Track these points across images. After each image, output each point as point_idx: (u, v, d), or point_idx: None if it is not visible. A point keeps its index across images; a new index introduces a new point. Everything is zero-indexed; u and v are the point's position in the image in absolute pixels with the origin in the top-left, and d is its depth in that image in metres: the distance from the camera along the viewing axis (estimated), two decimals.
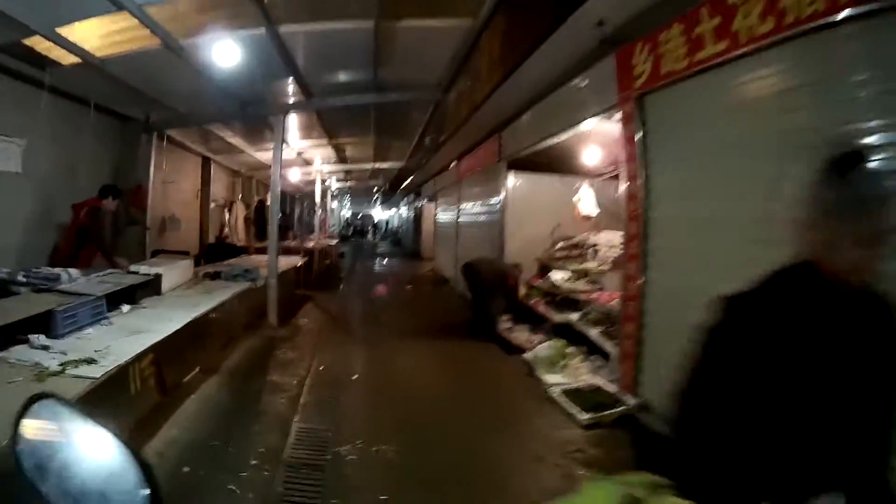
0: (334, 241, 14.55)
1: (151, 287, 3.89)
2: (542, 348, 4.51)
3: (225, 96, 5.40)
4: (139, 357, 2.54)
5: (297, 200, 15.41)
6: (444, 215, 11.98)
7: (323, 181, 12.44)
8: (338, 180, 15.83)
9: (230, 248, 8.52)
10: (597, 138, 5.24)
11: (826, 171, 1.01)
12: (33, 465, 0.67)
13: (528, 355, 4.54)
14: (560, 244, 6.08)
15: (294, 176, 10.97)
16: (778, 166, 2.19)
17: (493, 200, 7.16)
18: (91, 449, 0.66)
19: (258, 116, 6.06)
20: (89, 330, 2.78)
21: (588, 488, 0.96)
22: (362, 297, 8.87)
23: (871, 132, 1.92)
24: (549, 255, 6.20)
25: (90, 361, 2.28)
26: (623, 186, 3.63)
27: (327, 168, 11.65)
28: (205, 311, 3.58)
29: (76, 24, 3.52)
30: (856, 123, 1.98)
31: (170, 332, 2.88)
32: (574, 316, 4.85)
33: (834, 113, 2.10)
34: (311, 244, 10.65)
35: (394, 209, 27.94)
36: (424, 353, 5.13)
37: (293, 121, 6.60)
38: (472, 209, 8.80)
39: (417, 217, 17.90)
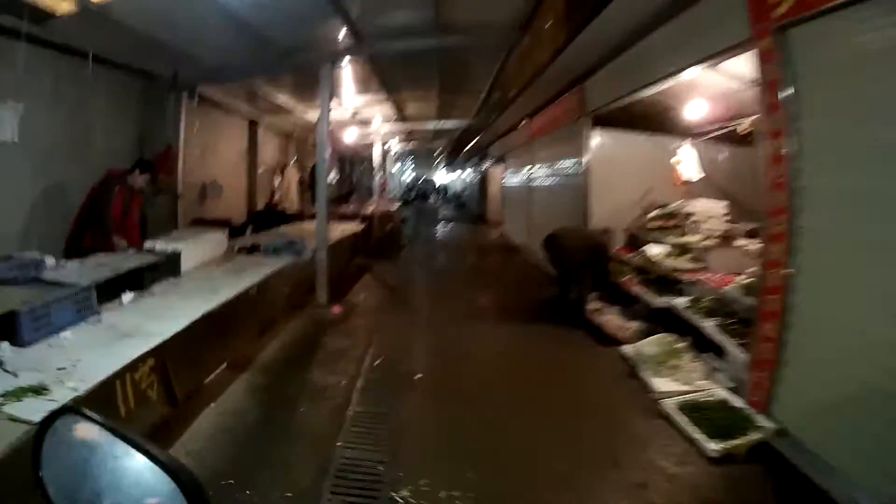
0: (395, 206, 14.19)
1: (167, 268, 3.33)
2: (648, 344, 3.73)
3: (263, 45, 4.82)
4: (132, 366, 1.98)
5: (358, 164, 15.13)
6: (514, 178, 11.32)
7: (383, 143, 11.97)
8: (399, 141, 15.40)
9: (280, 216, 8.16)
10: (698, 90, 4.57)
11: None
12: (60, 494, 0.63)
13: (628, 350, 3.78)
14: (654, 212, 5.16)
15: (352, 137, 10.51)
16: None
17: (574, 161, 6.37)
18: (126, 470, 0.58)
19: (303, 67, 5.43)
20: (67, 333, 2.20)
21: None
22: (425, 268, 8.39)
23: None
24: (640, 225, 5.32)
25: (39, 391, 1.62)
26: (761, 146, 2.84)
27: (387, 128, 11.13)
28: (225, 300, 2.98)
29: None
30: None
31: (170, 335, 2.31)
32: (680, 301, 4.01)
33: None
34: (370, 209, 10.28)
35: (457, 172, 27.25)
36: (501, 343, 4.48)
37: (347, 74, 5.99)
38: (547, 171, 8.07)
39: (483, 180, 17.36)
